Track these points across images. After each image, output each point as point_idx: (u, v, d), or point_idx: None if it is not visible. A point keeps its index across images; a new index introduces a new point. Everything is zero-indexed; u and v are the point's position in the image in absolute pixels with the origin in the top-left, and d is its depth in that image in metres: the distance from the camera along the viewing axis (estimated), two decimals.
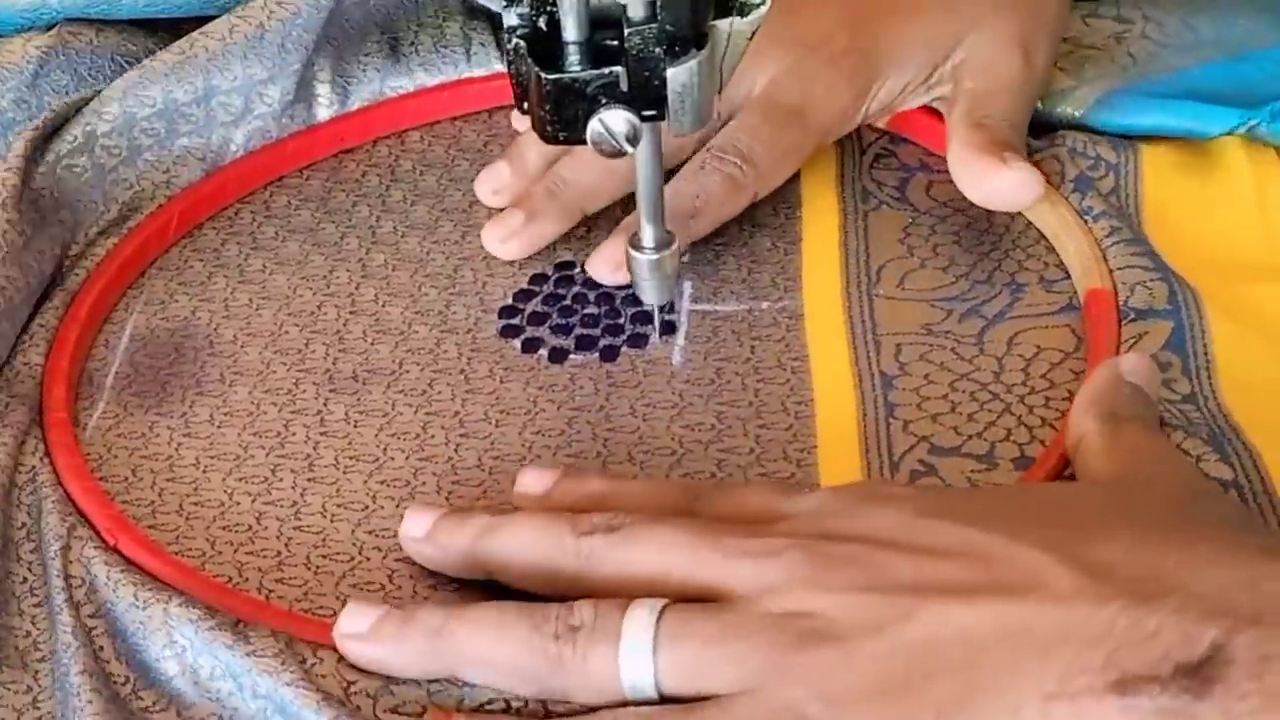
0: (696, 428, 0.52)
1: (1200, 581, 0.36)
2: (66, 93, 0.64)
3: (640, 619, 0.40)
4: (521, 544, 0.44)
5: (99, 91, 0.63)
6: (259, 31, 0.63)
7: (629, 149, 0.46)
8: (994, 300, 0.56)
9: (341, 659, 0.43)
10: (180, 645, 0.45)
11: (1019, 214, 0.59)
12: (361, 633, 0.43)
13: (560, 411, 0.53)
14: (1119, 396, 0.46)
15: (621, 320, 0.56)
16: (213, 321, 0.58)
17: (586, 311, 0.56)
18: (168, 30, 0.67)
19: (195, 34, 0.64)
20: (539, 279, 0.58)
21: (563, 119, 0.45)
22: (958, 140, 0.59)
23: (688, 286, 0.57)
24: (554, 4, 0.44)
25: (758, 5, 0.46)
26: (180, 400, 0.54)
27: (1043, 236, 0.58)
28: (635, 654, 0.39)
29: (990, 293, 0.56)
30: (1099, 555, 0.37)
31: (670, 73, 0.45)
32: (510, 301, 0.58)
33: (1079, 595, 0.36)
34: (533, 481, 0.48)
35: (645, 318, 0.56)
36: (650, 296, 0.53)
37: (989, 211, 0.59)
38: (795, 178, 0.62)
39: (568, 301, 0.57)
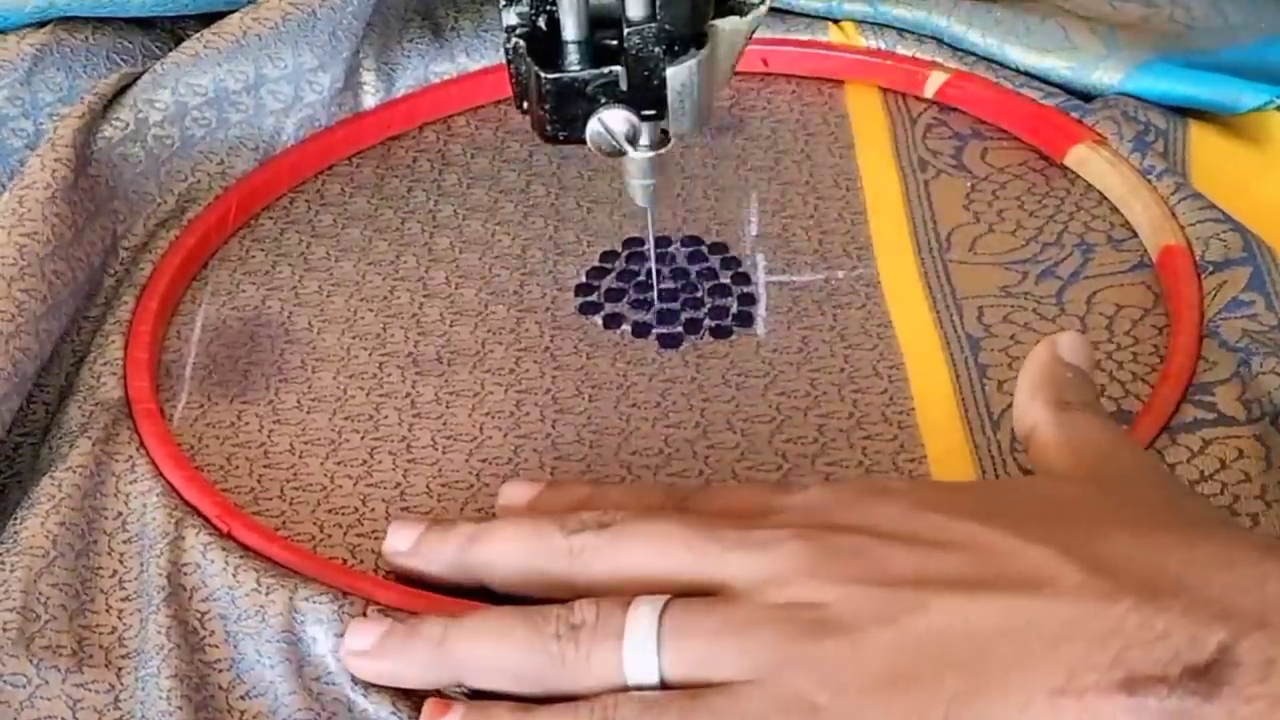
0: (792, 394, 0.52)
1: (1206, 582, 0.35)
2: (61, 90, 0.64)
3: (643, 615, 0.39)
4: (509, 547, 0.44)
5: (138, 75, 0.63)
6: (311, 19, 0.62)
7: (628, 148, 0.46)
8: (1066, 261, 0.57)
9: None
10: (298, 633, 0.44)
11: (1079, 175, 0.60)
12: (367, 649, 0.43)
13: (653, 384, 0.53)
14: (1064, 381, 0.45)
15: (700, 294, 0.56)
16: (285, 309, 0.57)
17: (663, 286, 0.56)
18: (165, 28, 0.67)
19: (244, 18, 0.63)
20: (610, 256, 0.59)
21: (562, 118, 0.45)
22: None
23: (761, 259, 0.58)
24: (553, 3, 0.44)
25: (757, 4, 0.46)
26: (265, 388, 0.54)
27: (1104, 198, 0.59)
28: (639, 650, 0.39)
29: (1061, 254, 0.57)
30: (1104, 552, 0.37)
31: (670, 72, 0.45)
32: (585, 279, 0.58)
33: (1086, 592, 0.36)
34: (516, 493, 0.47)
35: (723, 291, 0.56)
36: (641, 198, 0.51)
37: (1048, 175, 0.60)
38: (849, 152, 0.62)
39: (642, 278, 0.57)
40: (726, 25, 0.45)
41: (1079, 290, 0.55)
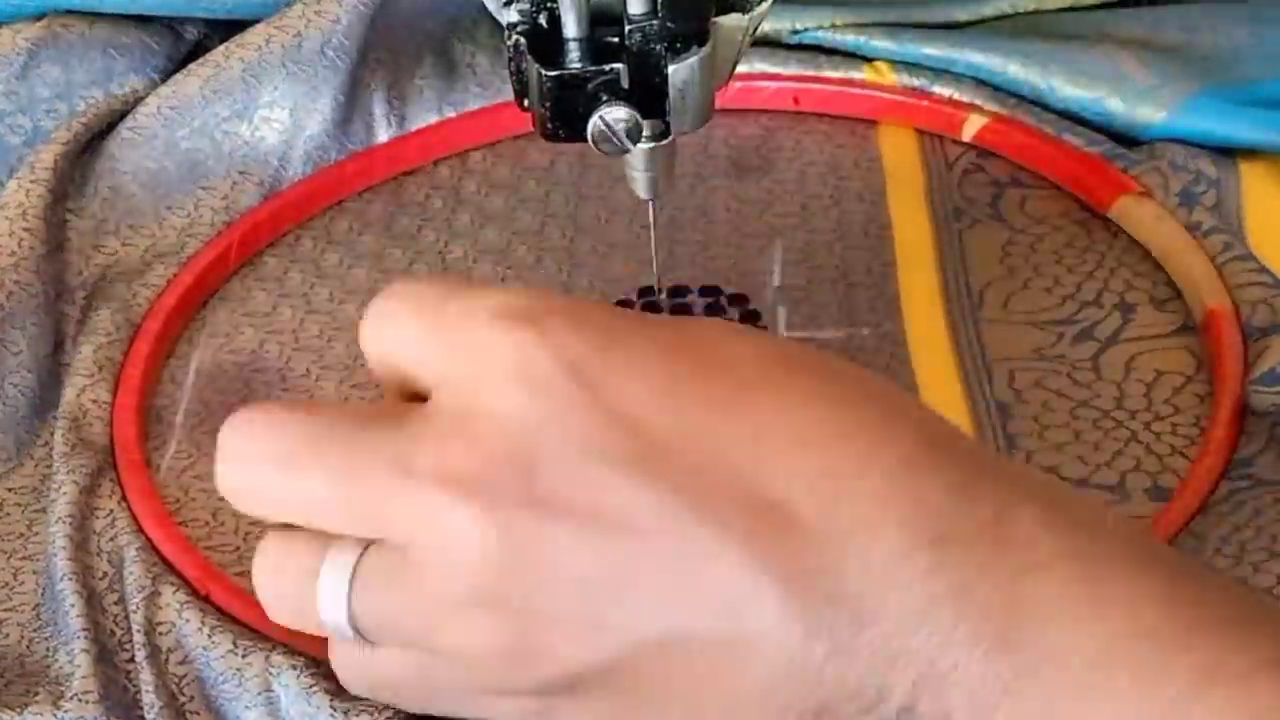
0: None
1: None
2: (58, 86, 0.63)
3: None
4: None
5: (130, 104, 0.62)
6: (296, 40, 0.61)
7: (630, 146, 0.45)
8: (1105, 322, 0.54)
9: None
10: (276, 695, 0.42)
11: (1122, 229, 0.57)
12: None
13: None
14: None
15: None
16: (283, 354, 0.55)
17: None
18: (163, 23, 0.66)
19: (229, 47, 0.62)
20: (624, 305, 0.56)
21: (563, 116, 0.45)
22: None
23: (782, 312, 0.55)
24: (554, 0, 0.44)
25: (759, 2, 0.45)
26: None
27: (1148, 254, 0.56)
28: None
29: (1100, 315, 0.54)
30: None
31: (671, 69, 0.44)
32: None
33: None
34: None
35: None
36: (643, 190, 0.49)
37: (1089, 228, 0.57)
38: (880, 198, 0.60)
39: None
40: (729, 22, 0.45)
41: (1117, 354, 0.52)
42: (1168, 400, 0.50)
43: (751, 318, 0.55)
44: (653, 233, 0.52)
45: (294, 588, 0.38)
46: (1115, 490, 0.47)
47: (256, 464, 0.37)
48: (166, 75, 0.64)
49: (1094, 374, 0.52)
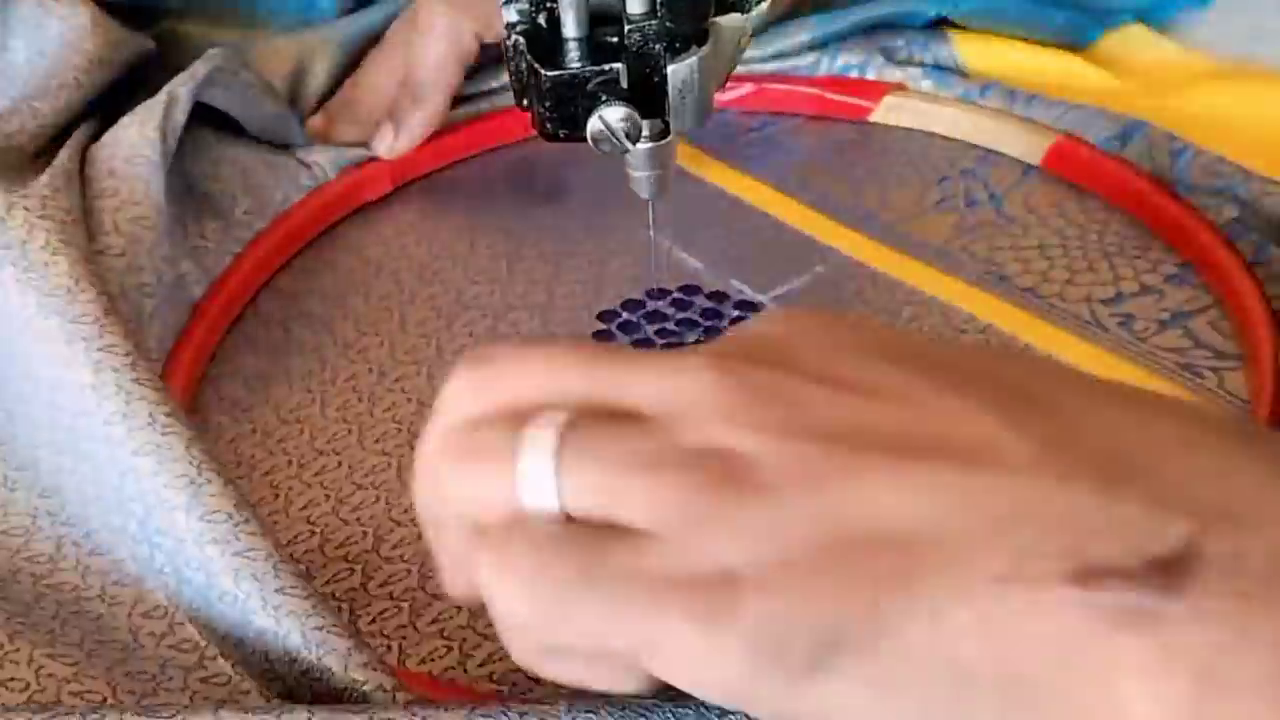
0: None
1: (1170, 468, 0.31)
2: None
3: (542, 434, 0.33)
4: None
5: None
6: None
7: (629, 145, 0.45)
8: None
9: None
10: None
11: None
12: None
13: None
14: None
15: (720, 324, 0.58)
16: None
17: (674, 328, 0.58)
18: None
19: None
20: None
21: (563, 116, 0.45)
22: None
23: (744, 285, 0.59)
24: (554, 0, 0.44)
25: (758, 2, 0.46)
26: None
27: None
28: (536, 473, 0.33)
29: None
30: (1057, 426, 0.32)
31: (670, 69, 0.44)
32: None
33: (1038, 469, 0.31)
34: None
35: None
36: (643, 190, 0.50)
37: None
38: None
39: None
40: (728, 23, 0.45)
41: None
42: None
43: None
44: (652, 233, 0.55)
45: (479, 480, 0.34)
46: None
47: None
48: None
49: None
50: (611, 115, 0.44)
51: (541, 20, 0.44)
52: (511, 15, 0.44)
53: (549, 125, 0.45)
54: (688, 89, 0.44)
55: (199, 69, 0.59)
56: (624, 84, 0.44)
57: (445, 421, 0.35)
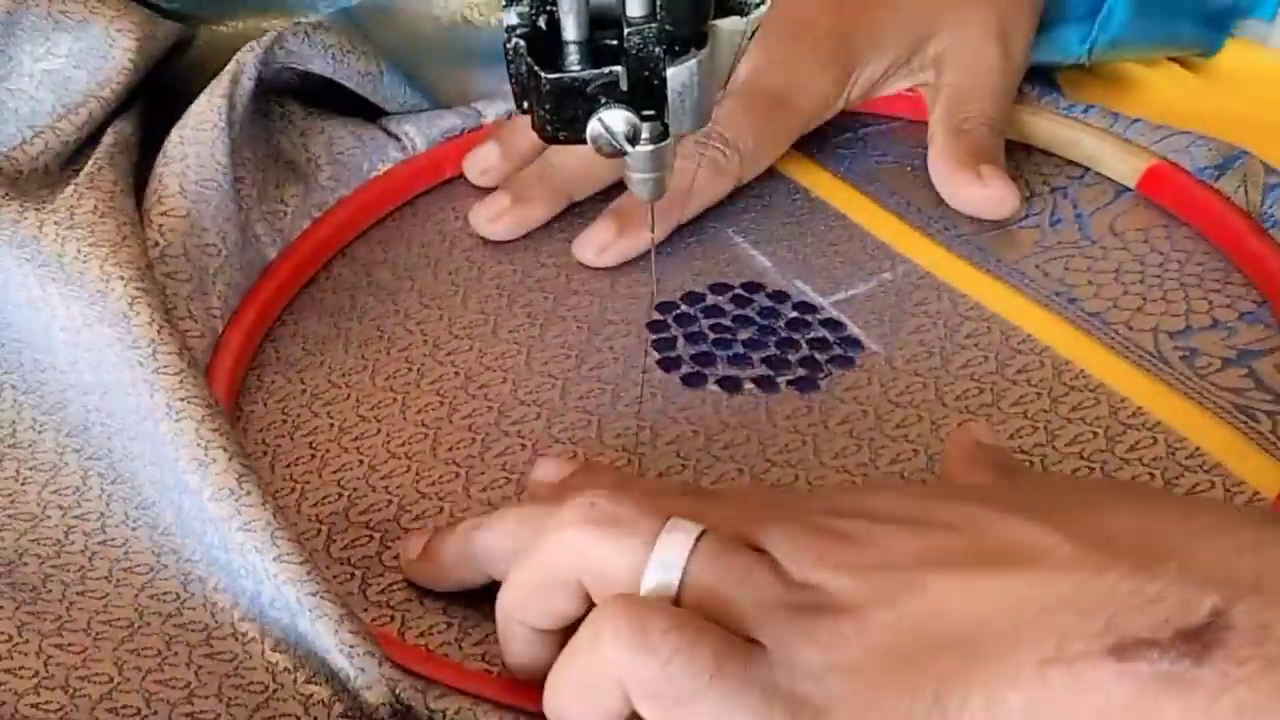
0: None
1: (1201, 548, 0.34)
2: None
3: (679, 536, 0.38)
4: (508, 529, 0.43)
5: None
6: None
7: (629, 148, 0.45)
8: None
9: None
10: None
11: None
12: (413, 557, 0.46)
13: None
14: (997, 452, 0.47)
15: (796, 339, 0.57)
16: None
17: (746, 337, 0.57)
18: None
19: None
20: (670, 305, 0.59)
21: (562, 118, 0.45)
22: (937, 147, 0.63)
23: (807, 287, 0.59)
24: (554, 3, 0.44)
25: (758, 5, 0.46)
26: None
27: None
28: (665, 568, 0.38)
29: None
30: (1099, 526, 0.36)
31: (670, 72, 0.44)
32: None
33: (1079, 564, 0.35)
34: (548, 470, 0.48)
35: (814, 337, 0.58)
36: (645, 192, 0.50)
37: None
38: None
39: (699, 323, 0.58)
40: (727, 25, 0.45)
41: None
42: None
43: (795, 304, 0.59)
44: (651, 235, 0.55)
45: (615, 545, 0.38)
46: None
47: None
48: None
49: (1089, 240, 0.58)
50: (611, 118, 0.45)
51: (542, 23, 0.45)
52: (512, 18, 0.45)
53: (549, 127, 0.45)
54: (687, 91, 0.45)
55: (266, 38, 0.61)
56: (624, 87, 0.44)
57: (589, 497, 0.39)
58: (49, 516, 0.49)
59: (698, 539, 0.38)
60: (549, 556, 0.40)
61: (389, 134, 0.65)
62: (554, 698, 0.39)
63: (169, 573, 0.47)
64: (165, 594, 0.46)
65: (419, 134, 0.66)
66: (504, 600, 0.41)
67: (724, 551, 0.38)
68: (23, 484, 0.50)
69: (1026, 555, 0.36)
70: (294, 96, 0.65)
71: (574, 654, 0.38)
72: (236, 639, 0.44)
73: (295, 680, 0.43)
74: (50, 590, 0.46)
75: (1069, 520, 0.37)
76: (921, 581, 0.36)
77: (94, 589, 0.46)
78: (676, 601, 0.38)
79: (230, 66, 0.60)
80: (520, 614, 0.41)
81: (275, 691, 0.43)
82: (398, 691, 0.42)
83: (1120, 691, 0.33)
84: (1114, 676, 0.33)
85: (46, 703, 0.42)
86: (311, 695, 0.43)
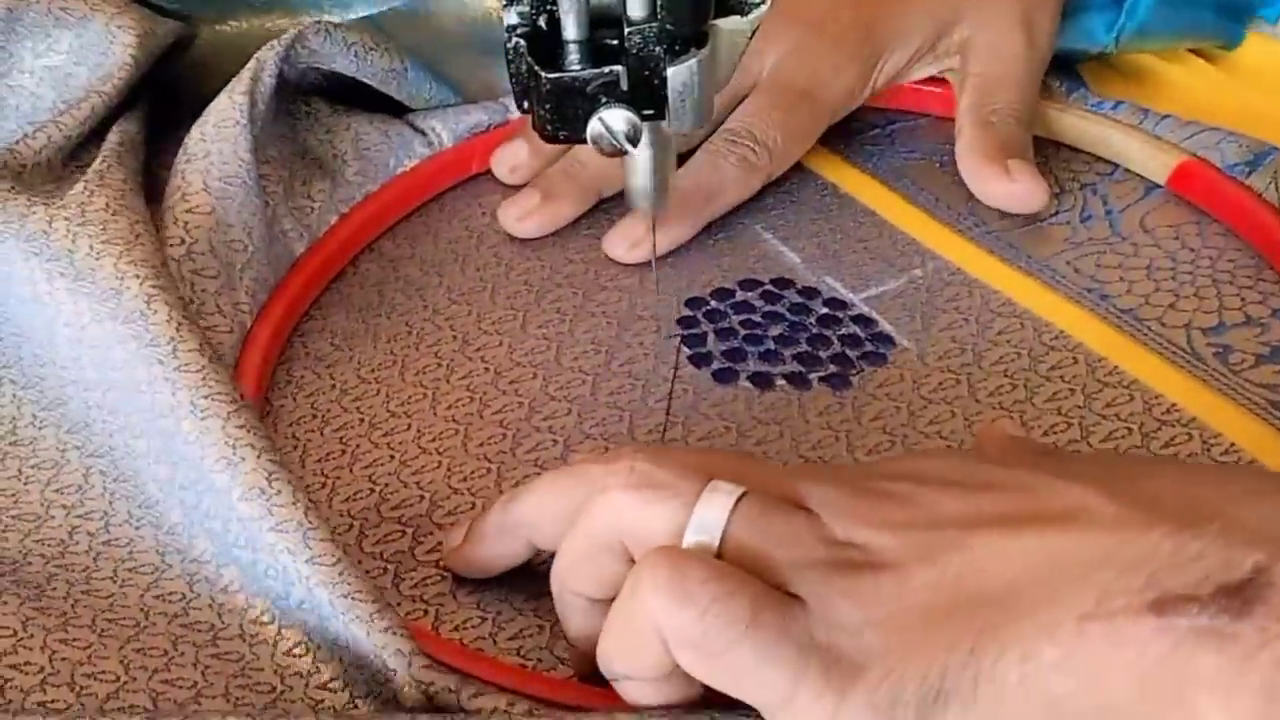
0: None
1: (1242, 510, 0.34)
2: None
3: (719, 497, 0.38)
4: (547, 495, 0.43)
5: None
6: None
7: (629, 148, 0.45)
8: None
9: None
10: None
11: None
12: (455, 544, 0.46)
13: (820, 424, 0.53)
14: (1029, 442, 0.47)
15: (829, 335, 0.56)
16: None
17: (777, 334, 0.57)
18: None
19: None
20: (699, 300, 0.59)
21: (563, 118, 0.45)
22: (965, 141, 0.63)
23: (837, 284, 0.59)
24: (554, 3, 0.44)
25: (758, 4, 0.46)
26: None
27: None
28: (710, 519, 0.38)
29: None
30: (1143, 488, 0.36)
31: (670, 72, 0.44)
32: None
33: (1122, 524, 0.35)
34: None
35: (857, 339, 0.58)
36: (643, 200, 0.50)
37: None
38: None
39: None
40: (728, 25, 0.45)
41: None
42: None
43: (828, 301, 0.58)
44: (653, 235, 0.55)
45: (656, 508, 0.39)
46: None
47: None
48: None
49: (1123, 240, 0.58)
50: (611, 117, 0.45)
51: (542, 23, 0.45)
52: (512, 18, 0.45)
53: (549, 127, 0.45)
54: (688, 91, 0.45)
55: (287, 35, 0.60)
56: (624, 86, 0.44)
57: (629, 461, 0.40)
58: (53, 516, 0.48)
59: (738, 500, 0.38)
60: (593, 522, 0.40)
61: (415, 129, 0.65)
62: (603, 649, 0.39)
63: (174, 572, 0.46)
64: (171, 594, 0.46)
65: (445, 129, 0.65)
66: (557, 570, 0.41)
67: (765, 512, 0.38)
68: (25, 483, 0.50)
69: (1070, 515, 0.36)
70: (320, 95, 0.65)
71: (618, 606, 0.38)
72: (244, 639, 0.44)
73: (308, 685, 0.43)
74: (55, 589, 0.46)
75: (1113, 484, 0.37)
76: (965, 541, 0.36)
77: (99, 589, 0.46)
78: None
79: (250, 65, 0.59)
80: (573, 583, 0.41)
81: (284, 693, 0.43)
82: (430, 692, 0.41)
83: (1157, 645, 0.32)
84: (1152, 631, 0.33)
85: (53, 701, 0.42)
86: (323, 700, 0.43)
